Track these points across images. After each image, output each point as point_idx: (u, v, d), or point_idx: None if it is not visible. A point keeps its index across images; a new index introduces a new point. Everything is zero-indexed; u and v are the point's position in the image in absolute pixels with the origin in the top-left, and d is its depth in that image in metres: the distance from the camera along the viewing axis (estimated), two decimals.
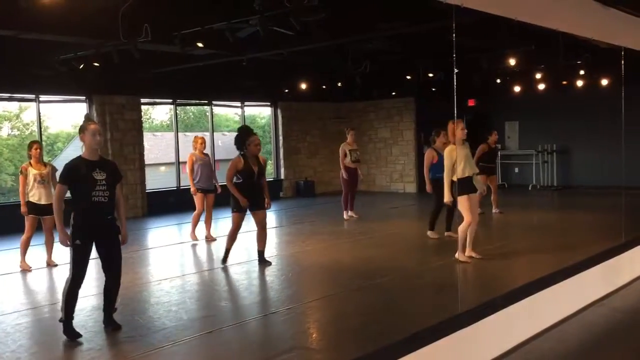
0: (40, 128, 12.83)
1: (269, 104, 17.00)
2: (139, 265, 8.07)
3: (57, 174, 6.03)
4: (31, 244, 8.02)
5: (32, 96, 12.22)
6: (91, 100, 12.85)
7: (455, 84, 5.76)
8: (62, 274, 7.15)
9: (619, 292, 7.41)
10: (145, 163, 13.80)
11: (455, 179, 7.30)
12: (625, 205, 9.21)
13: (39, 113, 12.45)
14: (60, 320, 5.04)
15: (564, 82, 14.64)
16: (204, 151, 9.80)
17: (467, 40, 9.32)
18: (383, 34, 10.33)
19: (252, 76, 13.66)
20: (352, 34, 10.17)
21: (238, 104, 16.38)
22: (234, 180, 7.44)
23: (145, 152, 13.87)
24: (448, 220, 9.00)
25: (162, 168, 21.42)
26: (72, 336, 4.93)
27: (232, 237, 7.68)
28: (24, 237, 7.92)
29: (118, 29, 8.17)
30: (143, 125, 13.94)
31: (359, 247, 8.90)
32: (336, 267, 7.59)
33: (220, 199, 9.96)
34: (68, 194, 5.07)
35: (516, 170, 17.75)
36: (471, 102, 16.70)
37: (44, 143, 11.22)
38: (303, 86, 14.73)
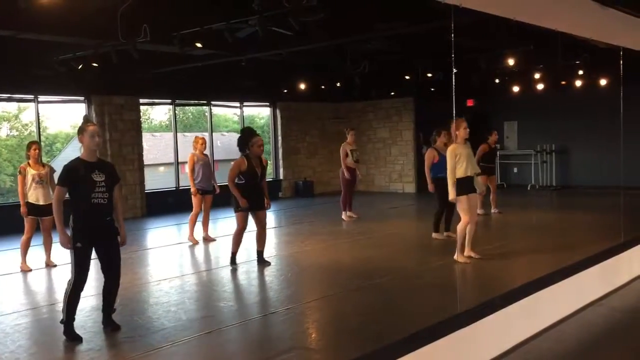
0: (39, 128, 12.84)
1: (267, 104, 17.01)
2: (138, 266, 8.07)
3: (55, 175, 6.02)
4: (31, 244, 8.02)
5: (31, 96, 12.22)
6: (90, 100, 12.85)
7: (454, 84, 5.76)
8: (62, 274, 7.16)
9: (617, 292, 7.42)
10: (144, 163, 13.80)
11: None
12: (624, 205, 9.22)
13: (38, 113, 12.46)
14: (61, 322, 5.04)
15: (563, 82, 14.65)
16: (204, 152, 9.80)
17: (466, 40, 9.34)
18: (382, 34, 10.34)
19: (251, 76, 13.67)
20: (351, 34, 10.18)
21: (237, 104, 16.39)
22: (236, 181, 7.43)
23: (144, 153, 13.87)
24: (447, 221, 9.00)
25: (161, 168, 21.43)
26: (73, 338, 4.93)
27: (237, 239, 7.60)
28: (23, 238, 7.92)
29: (117, 29, 8.18)
30: (142, 125, 13.94)
31: (358, 247, 8.90)
32: (335, 267, 7.59)
33: (218, 200, 9.97)
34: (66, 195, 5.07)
35: (515, 170, 17.76)
36: (470, 102, 16.71)
37: (42, 143, 11.21)
38: (302, 86, 14.73)
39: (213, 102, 15.61)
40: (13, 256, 8.28)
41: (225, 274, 7.42)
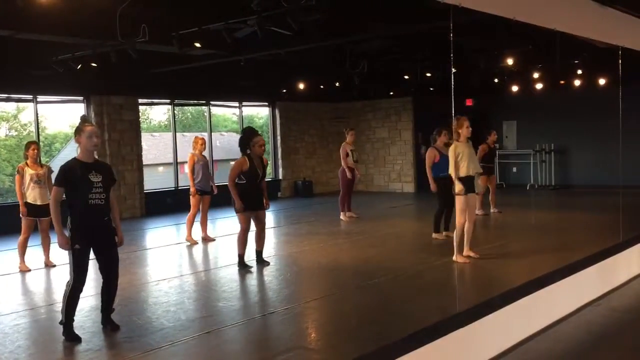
0: (38, 128, 12.84)
1: (266, 104, 17.01)
2: (137, 266, 8.07)
3: (53, 176, 6.03)
4: (28, 244, 8.02)
5: (30, 96, 12.22)
6: (89, 100, 12.85)
7: (453, 83, 5.76)
8: (61, 274, 7.16)
9: (616, 292, 7.43)
10: (143, 163, 13.80)
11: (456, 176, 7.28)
12: (622, 204, 9.22)
13: (37, 113, 12.46)
14: (61, 323, 5.03)
15: (562, 82, 14.67)
16: (203, 152, 9.80)
17: (465, 40, 9.33)
18: (381, 33, 10.33)
19: (250, 76, 13.66)
20: (350, 33, 10.18)
21: (236, 104, 16.39)
22: (237, 181, 7.40)
23: (143, 153, 13.87)
24: (447, 221, 9.00)
25: (160, 168, 21.43)
26: (72, 338, 4.93)
27: (242, 240, 7.51)
28: (21, 238, 7.92)
29: (116, 30, 8.16)
30: (141, 125, 13.94)
31: (357, 247, 8.90)
32: (334, 267, 7.59)
33: (218, 199, 9.97)
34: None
35: (514, 169, 17.78)
36: (469, 102, 16.72)
37: (41, 144, 11.22)
38: (301, 86, 14.72)
39: (212, 102, 15.61)
40: (12, 256, 8.28)
41: (225, 273, 7.41)
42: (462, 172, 7.23)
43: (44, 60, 10.47)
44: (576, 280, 6.67)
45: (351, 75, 12.79)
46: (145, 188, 13.75)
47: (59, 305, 5.20)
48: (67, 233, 4.97)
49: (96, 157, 5.20)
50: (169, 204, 13.68)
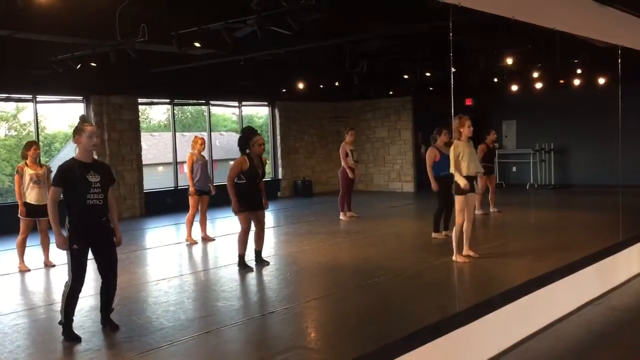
0: (38, 128, 12.83)
1: (266, 103, 17.01)
2: (136, 266, 8.06)
3: (52, 176, 6.02)
4: (28, 244, 8.02)
5: (30, 96, 12.21)
6: (88, 100, 12.84)
7: (452, 83, 5.76)
8: (60, 274, 7.16)
9: (616, 291, 7.43)
10: (143, 163, 13.79)
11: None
12: (622, 203, 9.22)
13: (36, 113, 12.45)
14: (60, 323, 5.03)
15: (561, 81, 14.66)
16: (202, 152, 9.79)
17: (464, 39, 9.32)
18: (380, 33, 10.32)
19: (250, 76, 13.65)
20: (350, 33, 10.17)
21: (235, 103, 16.39)
22: (236, 180, 7.39)
23: (143, 152, 13.87)
24: (446, 220, 9.00)
25: (160, 168, 21.42)
26: (71, 338, 4.92)
27: (243, 240, 7.48)
28: (19, 238, 7.91)
29: (115, 29, 8.16)
30: (140, 125, 13.93)
31: (356, 246, 8.90)
32: (334, 267, 7.59)
33: (217, 199, 9.96)
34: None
35: (514, 169, 17.78)
36: (468, 102, 16.71)
37: (41, 143, 11.21)
38: (300, 86, 14.72)
39: (211, 102, 15.61)
40: (12, 256, 8.27)
41: (224, 273, 7.41)
42: (463, 172, 7.23)
43: (43, 60, 10.46)
44: (576, 279, 6.68)
45: (351, 75, 12.78)
46: (144, 188, 13.74)
47: (58, 305, 5.20)
48: (65, 233, 4.96)
49: (95, 157, 5.20)
50: (169, 203, 13.67)
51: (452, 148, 7.32)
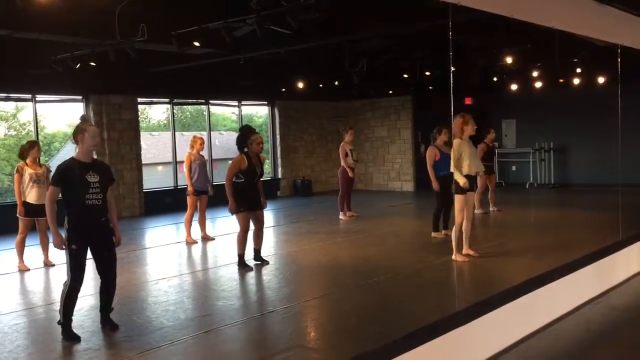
0: (37, 128, 12.82)
1: (266, 103, 17.01)
2: (136, 265, 8.07)
3: (51, 176, 6.01)
4: (27, 244, 8.02)
5: (29, 96, 12.21)
6: (88, 99, 12.84)
7: (452, 82, 5.76)
8: (60, 273, 7.15)
9: (615, 290, 7.43)
10: (143, 163, 13.79)
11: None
12: (622, 202, 9.22)
13: (36, 113, 12.44)
14: (59, 323, 5.03)
15: (561, 80, 14.66)
16: (201, 152, 9.78)
17: (464, 38, 9.33)
18: (380, 32, 10.32)
19: (249, 75, 13.65)
20: (349, 32, 10.17)
21: (235, 103, 16.39)
22: (235, 179, 7.38)
23: (143, 152, 13.87)
24: (446, 219, 9.00)
25: (159, 168, 21.41)
26: (71, 338, 4.92)
27: (242, 240, 7.47)
28: (18, 238, 7.92)
29: (114, 29, 8.16)
30: (140, 124, 13.93)
31: (356, 245, 8.90)
32: (334, 266, 7.59)
33: (216, 199, 9.95)
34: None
35: (513, 168, 17.78)
36: (468, 101, 16.71)
37: (40, 143, 11.20)
38: (300, 85, 14.72)
39: (211, 101, 15.60)
40: (12, 256, 8.27)
41: (224, 272, 7.41)
42: (465, 171, 7.23)
43: (42, 59, 10.46)
44: (575, 278, 6.68)
45: (350, 74, 12.78)
46: (144, 187, 13.74)
47: (57, 305, 5.20)
48: (63, 233, 4.96)
49: (94, 156, 5.19)
50: (168, 203, 13.67)
51: (454, 146, 7.31)
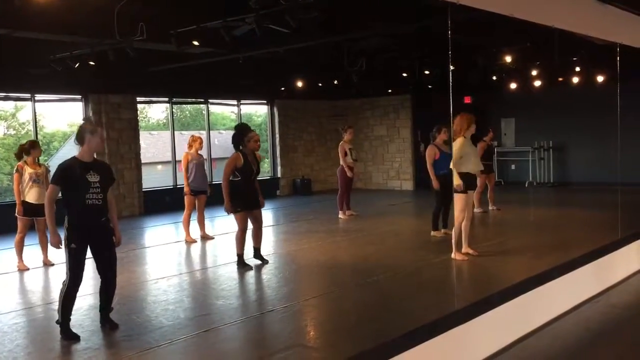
0: (36, 127, 12.81)
1: (265, 102, 17.00)
2: (135, 264, 8.07)
3: (50, 175, 6.00)
4: (26, 243, 8.02)
5: (28, 95, 12.20)
6: (87, 99, 12.83)
7: (451, 81, 5.76)
8: (59, 273, 7.14)
9: (615, 288, 7.43)
10: (142, 162, 13.79)
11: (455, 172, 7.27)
12: (621, 201, 9.22)
13: (35, 112, 12.43)
14: (57, 322, 5.02)
15: (560, 79, 14.66)
16: (199, 151, 9.77)
17: (463, 37, 9.32)
18: (379, 31, 10.32)
19: (249, 74, 13.64)
20: (348, 31, 10.16)
21: (234, 102, 16.38)
22: (232, 178, 7.38)
23: (142, 151, 13.86)
24: (445, 218, 9.00)
25: (159, 167, 21.39)
26: (70, 337, 4.92)
27: (240, 240, 7.47)
28: (17, 237, 7.92)
29: (114, 28, 8.15)
30: (139, 124, 13.92)
31: (355, 244, 8.90)
32: (333, 265, 7.59)
33: (213, 198, 9.94)
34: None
35: (512, 167, 17.78)
36: (467, 99, 16.70)
37: (39, 142, 11.19)
38: (299, 84, 14.71)
39: (210, 101, 15.59)
40: (11, 255, 8.27)
41: (223, 272, 7.41)
42: (466, 169, 7.24)
43: (41, 58, 10.45)
44: (575, 277, 6.68)
45: (349, 73, 12.78)
46: (143, 186, 13.74)
47: (57, 304, 5.19)
48: (62, 232, 4.96)
49: (95, 156, 5.19)
50: (168, 202, 13.67)
51: (458, 144, 7.31)
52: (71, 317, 5.02)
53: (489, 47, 11.92)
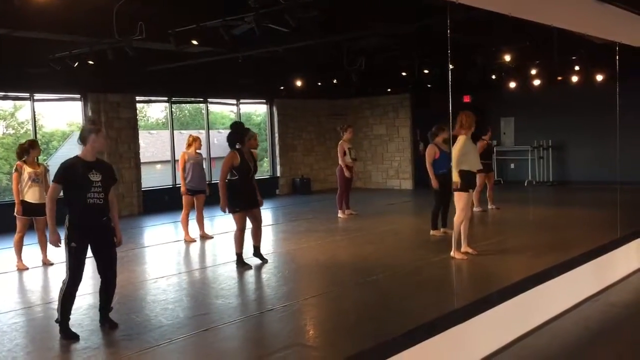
0: (35, 127, 12.81)
1: (264, 101, 17.00)
2: (135, 264, 8.06)
3: (50, 175, 6.00)
4: (25, 243, 8.02)
5: (27, 95, 12.19)
6: (86, 98, 12.82)
7: (450, 80, 5.76)
8: (58, 272, 7.15)
9: (614, 287, 7.44)
10: (141, 161, 13.79)
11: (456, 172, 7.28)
12: (620, 200, 9.23)
13: (34, 112, 12.42)
14: (56, 321, 5.02)
15: (559, 78, 14.67)
16: (197, 150, 9.75)
17: (462, 36, 9.32)
18: (379, 31, 10.32)
19: (248, 73, 13.64)
20: (348, 30, 10.16)
21: (233, 101, 16.37)
22: (229, 177, 7.36)
23: (141, 151, 13.86)
24: (444, 217, 8.99)
25: (158, 166, 21.38)
26: (69, 337, 4.92)
27: (239, 239, 7.47)
28: (16, 237, 7.91)
29: (112, 27, 8.15)
30: (138, 123, 13.91)
31: (355, 244, 8.90)
32: (332, 264, 7.59)
33: (212, 198, 9.93)
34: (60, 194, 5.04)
35: (512, 166, 17.78)
36: (466, 99, 16.70)
37: (39, 142, 11.19)
38: (298, 83, 14.71)
39: (209, 100, 15.59)
40: (10, 255, 8.26)
41: (223, 271, 7.41)
42: (467, 167, 7.25)
43: (40, 58, 10.44)
44: (574, 276, 6.68)
45: (349, 72, 12.78)
46: (142, 186, 13.73)
47: (56, 304, 5.19)
48: (63, 231, 4.96)
49: (97, 156, 5.20)
50: (167, 201, 13.67)
51: (460, 142, 7.31)
52: (70, 316, 5.03)
53: (488, 46, 11.92)
